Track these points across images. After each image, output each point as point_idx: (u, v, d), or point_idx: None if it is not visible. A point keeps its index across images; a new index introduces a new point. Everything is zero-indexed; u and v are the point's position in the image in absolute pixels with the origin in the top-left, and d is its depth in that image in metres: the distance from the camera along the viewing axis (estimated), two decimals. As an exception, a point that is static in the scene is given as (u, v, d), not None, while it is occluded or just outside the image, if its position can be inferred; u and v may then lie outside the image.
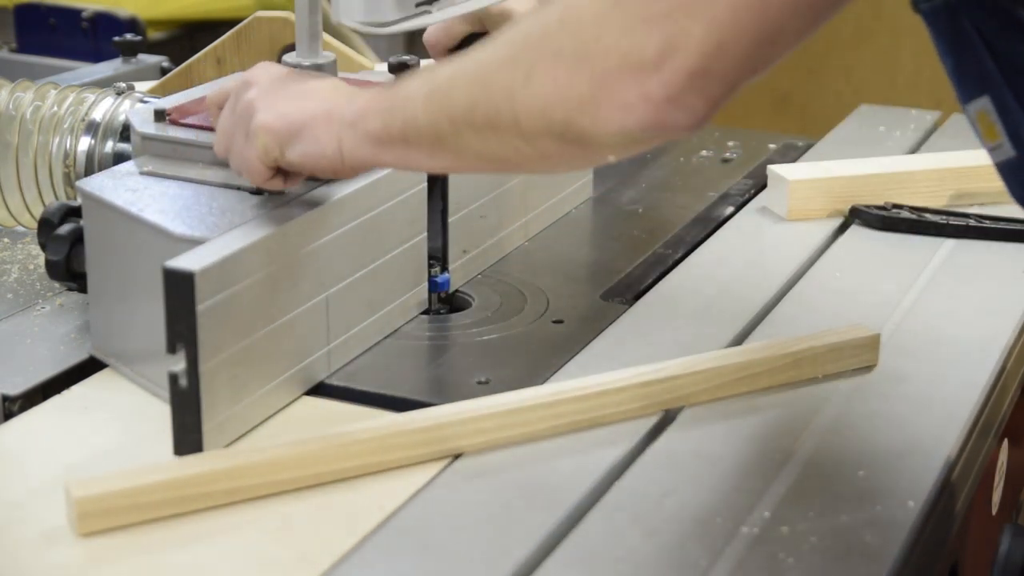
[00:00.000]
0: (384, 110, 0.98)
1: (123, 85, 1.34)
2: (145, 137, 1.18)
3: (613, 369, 1.08)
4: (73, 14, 2.63)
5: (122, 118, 1.27)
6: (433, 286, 1.26)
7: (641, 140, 0.87)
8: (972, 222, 1.40)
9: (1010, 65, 0.87)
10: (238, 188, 1.11)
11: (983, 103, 0.89)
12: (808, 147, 1.71)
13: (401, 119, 0.97)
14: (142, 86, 1.50)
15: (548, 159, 0.92)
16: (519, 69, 0.88)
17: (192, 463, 0.95)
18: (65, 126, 1.28)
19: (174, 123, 1.19)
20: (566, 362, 1.14)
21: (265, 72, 1.07)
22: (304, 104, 1.02)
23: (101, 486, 0.91)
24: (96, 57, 2.06)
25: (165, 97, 1.27)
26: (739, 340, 1.18)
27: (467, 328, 1.21)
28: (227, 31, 1.61)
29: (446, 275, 1.27)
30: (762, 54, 0.84)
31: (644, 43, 0.82)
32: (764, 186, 1.51)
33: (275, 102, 1.03)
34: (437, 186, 1.25)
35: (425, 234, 1.23)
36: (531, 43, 0.88)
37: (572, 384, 1.05)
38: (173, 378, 0.98)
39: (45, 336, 1.17)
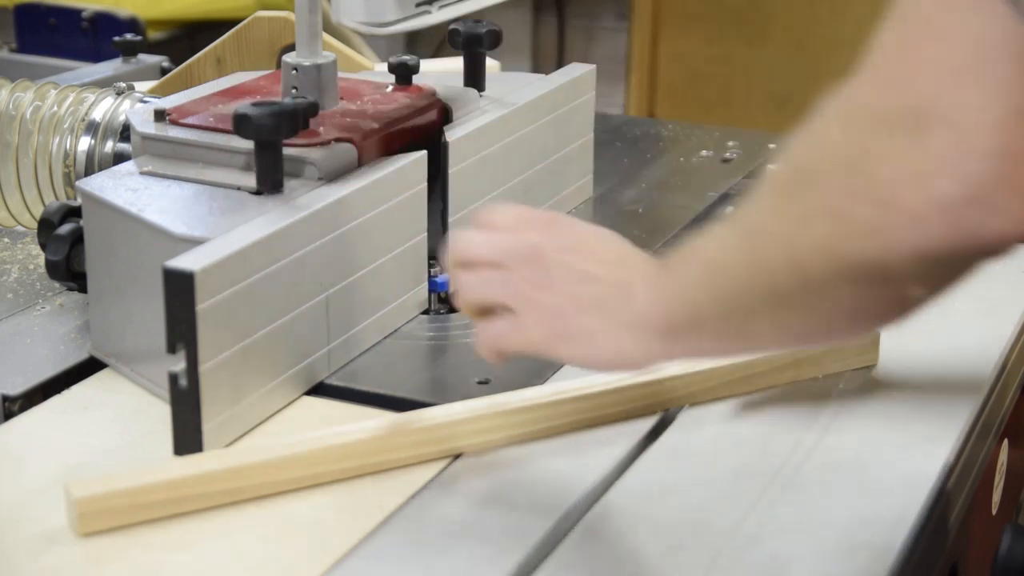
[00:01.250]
0: (664, 299, 0.87)
1: (123, 85, 1.34)
2: (145, 137, 1.18)
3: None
4: (73, 14, 2.63)
5: (122, 118, 1.27)
6: (433, 286, 1.26)
7: (947, 261, 0.72)
8: (972, 222, 1.40)
9: None
10: (238, 188, 1.11)
11: None
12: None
13: (683, 307, 0.86)
14: (142, 86, 1.50)
15: (848, 313, 0.78)
16: (788, 219, 0.77)
17: (192, 463, 0.95)
18: (65, 126, 1.28)
19: (174, 123, 1.19)
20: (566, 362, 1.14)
21: (547, 242, 0.92)
22: (580, 297, 0.89)
23: (101, 486, 0.91)
24: (96, 57, 2.06)
25: (165, 97, 1.28)
26: (739, 340, 1.17)
27: (467, 328, 1.21)
28: (227, 31, 1.61)
29: (446, 275, 1.27)
30: None
31: (915, 140, 0.69)
32: (764, 186, 1.51)
33: (550, 291, 0.90)
34: (437, 186, 1.25)
35: (425, 234, 1.23)
36: (791, 190, 0.78)
37: (572, 384, 1.05)
38: (173, 378, 0.98)
39: (45, 336, 1.17)
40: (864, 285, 0.75)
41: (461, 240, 0.95)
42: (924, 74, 0.70)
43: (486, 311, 0.94)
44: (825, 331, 0.83)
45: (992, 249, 0.72)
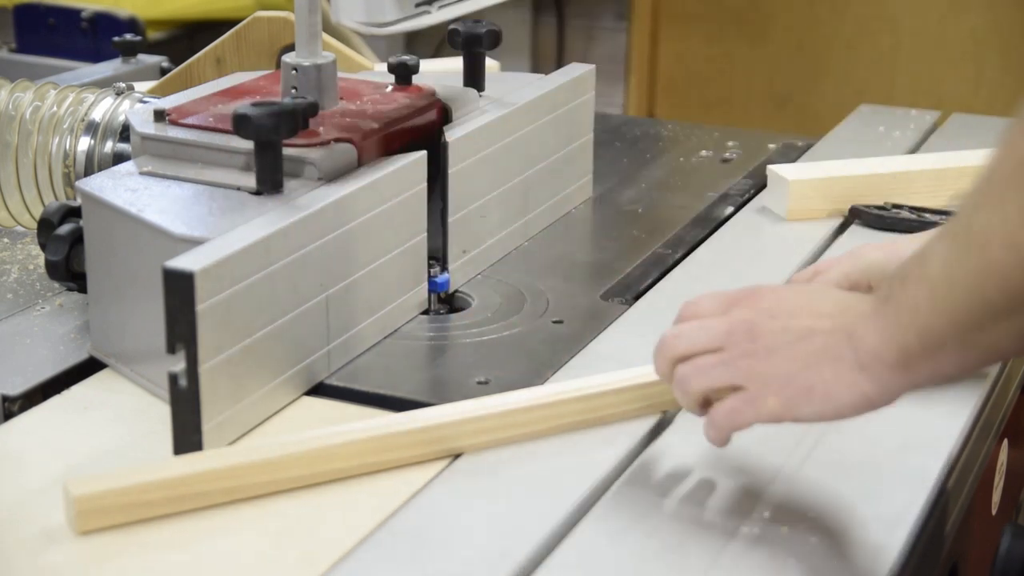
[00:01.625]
0: (892, 331, 0.85)
1: (123, 85, 1.34)
2: (145, 137, 1.18)
3: (613, 369, 1.08)
4: (73, 14, 2.63)
5: (122, 118, 1.27)
6: (433, 286, 1.26)
7: None
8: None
9: None
10: (238, 188, 1.11)
11: None
12: (808, 147, 1.71)
13: (915, 334, 0.84)
14: (142, 86, 1.50)
15: None
16: (1017, 213, 0.76)
17: (191, 462, 0.95)
18: (65, 126, 1.28)
19: (174, 123, 1.19)
20: (566, 362, 1.14)
21: (757, 313, 0.92)
22: (805, 355, 0.89)
23: (100, 484, 0.91)
24: (96, 57, 2.06)
25: (165, 97, 1.27)
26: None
27: (467, 328, 1.21)
28: (227, 31, 1.61)
29: (446, 275, 1.27)
30: None
31: None
32: (764, 186, 1.51)
33: (774, 358, 0.90)
34: (437, 186, 1.25)
35: (425, 234, 1.23)
36: (1017, 182, 0.76)
37: (572, 384, 1.05)
38: (173, 378, 0.98)
39: (45, 336, 1.17)
40: None
41: (671, 335, 0.95)
42: None
43: (709, 399, 0.94)
44: None
45: None
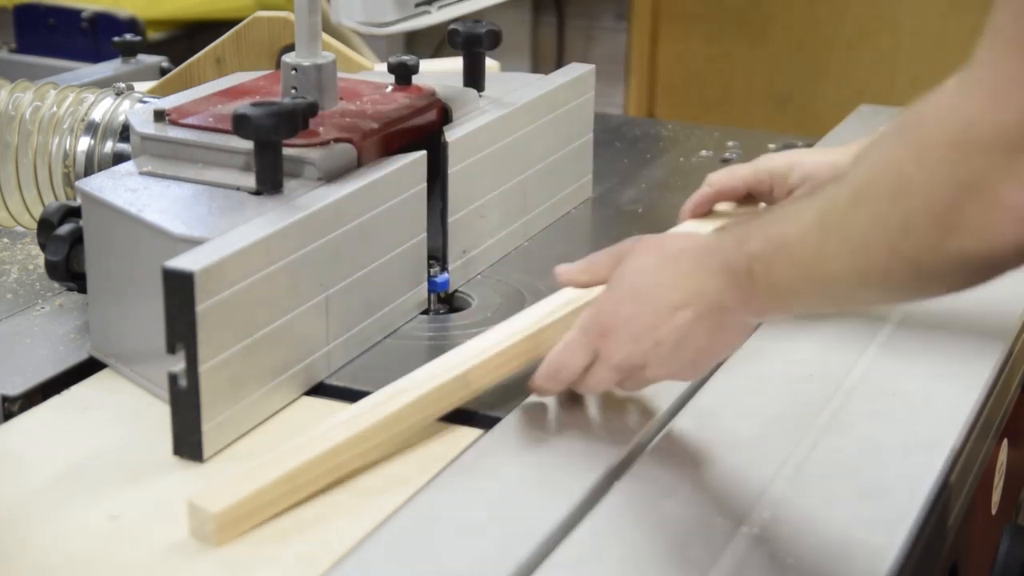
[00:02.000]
0: (763, 307, 0.96)
1: (122, 85, 1.34)
2: (145, 137, 1.18)
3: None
4: (73, 14, 2.63)
5: (122, 118, 1.27)
6: (433, 286, 1.26)
7: None
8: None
9: None
10: (238, 188, 1.11)
11: None
12: (808, 147, 1.71)
13: (785, 308, 0.97)
14: (142, 86, 1.50)
15: (949, 286, 0.86)
16: (893, 225, 0.82)
17: (295, 452, 0.96)
18: (65, 126, 1.28)
19: (174, 123, 1.19)
20: (566, 362, 1.14)
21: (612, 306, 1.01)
22: (682, 340, 0.99)
23: (232, 494, 0.91)
24: (96, 57, 2.06)
25: (165, 97, 1.27)
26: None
27: (467, 328, 1.21)
28: (227, 31, 1.61)
29: (446, 275, 1.27)
30: None
31: (1018, 151, 0.76)
32: (764, 186, 1.51)
33: (659, 352, 1.00)
34: (437, 186, 1.25)
35: (425, 234, 1.23)
36: (891, 198, 0.82)
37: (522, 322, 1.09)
38: (173, 378, 0.98)
39: (45, 336, 1.17)
40: (972, 273, 0.82)
41: (546, 372, 1.04)
42: (1020, 96, 0.76)
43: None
44: (927, 295, 0.90)
45: None
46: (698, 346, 0.99)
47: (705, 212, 1.26)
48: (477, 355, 1.06)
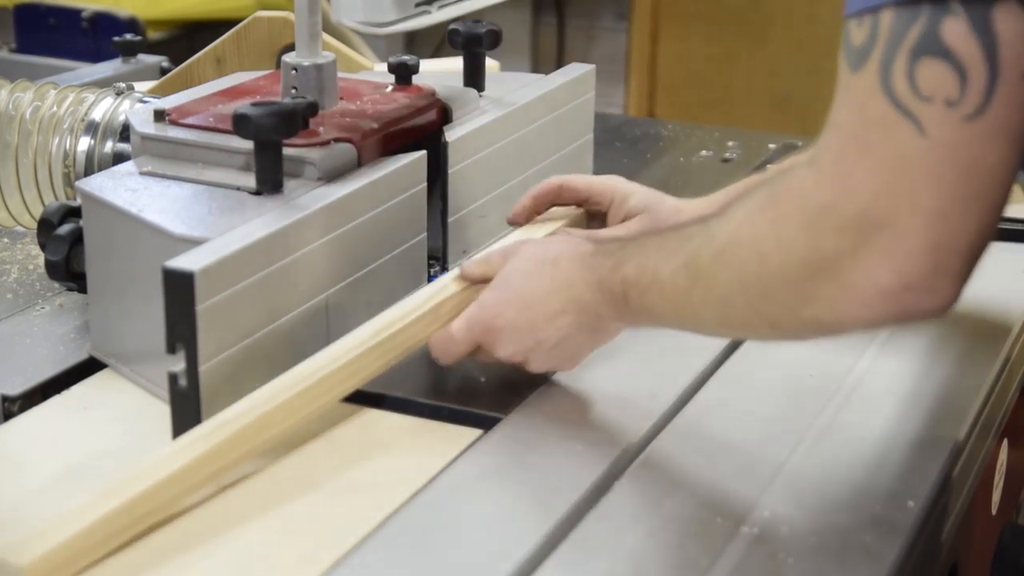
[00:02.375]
0: (634, 322, 1.03)
1: (123, 85, 1.34)
2: (145, 137, 1.18)
3: (614, 370, 1.08)
4: (73, 14, 2.63)
5: (122, 118, 1.27)
6: (433, 286, 1.25)
7: (888, 326, 0.87)
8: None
9: None
10: (238, 188, 1.11)
11: None
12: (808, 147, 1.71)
13: (658, 324, 1.01)
14: (142, 86, 1.50)
15: (804, 339, 0.94)
16: (753, 290, 0.89)
17: (117, 491, 0.89)
18: (65, 126, 1.28)
19: (174, 123, 1.19)
20: (566, 362, 1.14)
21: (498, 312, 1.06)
22: (563, 340, 1.05)
23: (43, 544, 0.84)
24: (96, 57, 2.06)
25: (165, 97, 1.27)
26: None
27: (467, 328, 1.21)
28: (227, 31, 1.61)
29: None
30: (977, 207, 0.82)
31: (862, 240, 0.82)
32: (764, 186, 1.51)
33: (539, 352, 1.05)
34: (437, 186, 1.25)
35: (425, 234, 1.23)
36: (751, 270, 0.88)
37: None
38: (173, 378, 0.98)
39: (45, 336, 1.17)
40: (823, 332, 0.89)
41: (435, 350, 1.08)
42: (862, 184, 0.81)
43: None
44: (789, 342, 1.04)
45: (928, 320, 0.85)
46: (577, 344, 1.06)
47: (543, 207, 1.27)
48: (325, 367, 1.01)
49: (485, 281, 1.09)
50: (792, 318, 0.88)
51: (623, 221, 1.26)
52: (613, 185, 1.27)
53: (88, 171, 1.26)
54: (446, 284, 1.10)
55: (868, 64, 0.81)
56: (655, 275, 0.97)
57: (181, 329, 0.97)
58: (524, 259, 1.07)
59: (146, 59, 1.88)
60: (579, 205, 1.27)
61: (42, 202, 1.29)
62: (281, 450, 1.01)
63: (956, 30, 0.78)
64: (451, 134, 1.26)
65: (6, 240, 1.37)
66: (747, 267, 0.89)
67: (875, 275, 0.82)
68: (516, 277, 1.06)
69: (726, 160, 1.68)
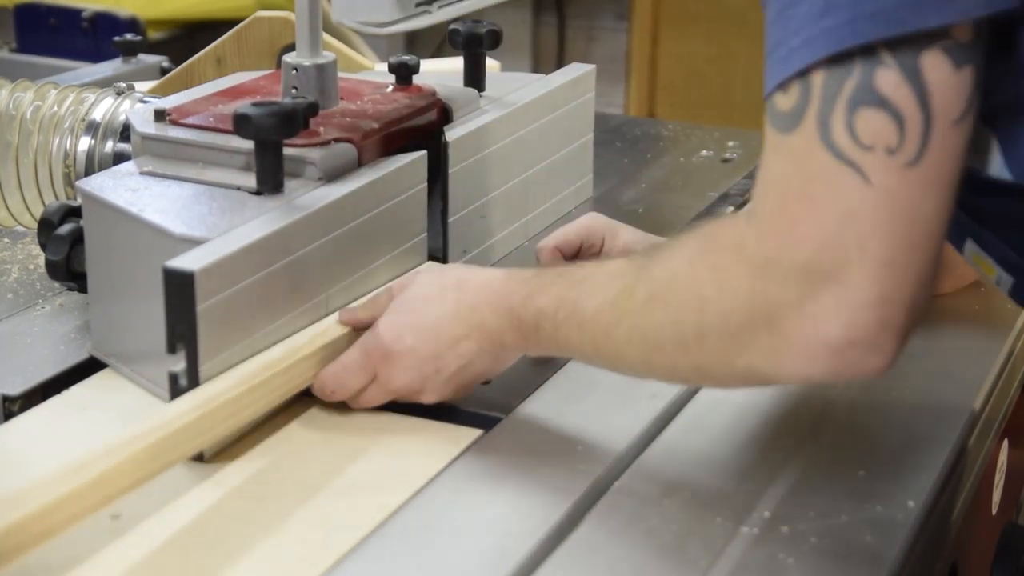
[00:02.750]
0: (540, 350, 1.01)
1: (123, 85, 1.34)
2: (145, 137, 1.18)
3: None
4: (73, 14, 2.63)
5: (122, 118, 1.27)
6: (433, 286, 1.25)
7: (820, 381, 0.86)
8: (972, 222, 1.40)
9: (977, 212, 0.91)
10: (238, 188, 1.11)
11: (970, 247, 0.92)
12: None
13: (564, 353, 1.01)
14: (142, 86, 1.50)
15: (728, 387, 0.99)
16: (687, 333, 0.87)
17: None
18: (65, 126, 1.28)
19: (174, 123, 1.19)
20: (566, 362, 1.14)
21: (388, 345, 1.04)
22: (462, 370, 1.03)
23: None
24: (96, 57, 2.06)
25: (165, 97, 1.27)
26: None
27: (467, 328, 1.21)
28: (227, 31, 1.61)
29: (446, 275, 1.27)
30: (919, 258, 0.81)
31: (807, 291, 0.81)
32: (764, 186, 1.51)
33: (435, 382, 1.03)
34: (437, 186, 1.25)
35: (425, 234, 1.23)
36: (687, 315, 0.87)
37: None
38: (173, 378, 0.98)
39: (45, 336, 1.17)
40: (753, 382, 0.90)
41: (320, 387, 1.06)
42: (808, 235, 0.81)
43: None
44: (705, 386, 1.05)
45: (869, 378, 0.84)
46: (475, 372, 1.03)
47: None
48: (197, 408, 0.96)
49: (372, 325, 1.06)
50: (723, 366, 0.87)
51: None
52: (598, 224, 1.25)
53: (88, 171, 1.26)
54: (328, 327, 1.07)
55: (804, 123, 0.81)
56: (574, 307, 0.95)
57: (181, 329, 0.97)
58: (423, 285, 1.05)
59: (146, 59, 1.88)
60: (576, 255, 1.24)
61: (42, 202, 1.29)
62: (281, 450, 1.01)
63: (889, 79, 0.79)
64: (451, 134, 1.26)
65: (6, 240, 1.37)
66: (684, 311, 0.87)
67: (821, 329, 0.81)
68: (415, 303, 1.04)
69: (726, 160, 1.68)
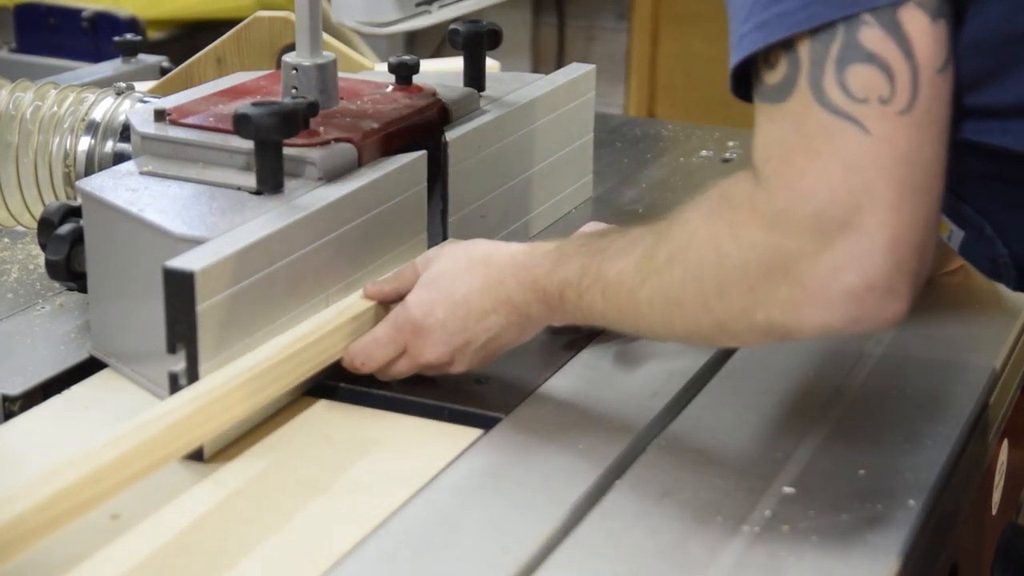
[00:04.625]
0: (569, 319, 1.02)
1: (123, 85, 1.34)
2: (145, 137, 1.18)
3: (614, 369, 1.08)
4: (73, 14, 2.63)
5: (122, 118, 1.27)
6: (433, 286, 1.25)
7: (841, 331, 0.87)
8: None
9: None
10: (238, 188, 1.11)
11: None
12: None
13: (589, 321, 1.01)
14: (142, 86, 1.50)
15: (748, 344, 1.01)
16: (708, 290, 0.89)
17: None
18: (65, 126, 1.28)
19: (174, 123, 1.19)
20: (566, 362, 1.14)
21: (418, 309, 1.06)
22: (492, 339, 1.05)
23: None
24: (96, 57, 2.06)
25: (165, 97, 1.27)
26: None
27: (467, 328, 1.21)
28: (227, 31, 1.61)
29: (446, 275, 1.27)
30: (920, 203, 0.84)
31: (823, 242, 0.83)
32: (764, 186, 1.51)
33: (470, 350, 1.05)
34: (437, 186, 1.25)
35: (425, 234, 1.23)
36: (705, 270, 0.89)
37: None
38: (173, 378, 0.98)
39: (45, 336, 1.17)
40: (774, 337, 0.89)
41: (352, 360, 1.08)
42: (816, 187, 0.83)
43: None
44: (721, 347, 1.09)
45: (886, 327, 0.85)
46: (501, 343, 1.06)
47: None
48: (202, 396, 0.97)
49: (398, 299, 1.09)
50: (744, 320, 0.88)
51: None
52: (598, 233, 1.26)
53: (88, 171, 1.26)
54: (353, 303, 1.09)
55: (796, 90, 0.84)
56: (598, 274, 0.97)
57: (181, 329, 0.97)
58: (450, 259, 1.07)
59: (146, 59, 1.88)
60: None
61: (42, 202, 1.29)
62: (281, 450, 1.02)
63: (873, 36, 0.83)
64: (451, 134, 1.26)
65: (6, 240, 1.37)
66: (704, 266, 0.89)
67: (839, 276, 0.83)
68: (444, 278, 1.06)
69: (726, 160, 1.68)
